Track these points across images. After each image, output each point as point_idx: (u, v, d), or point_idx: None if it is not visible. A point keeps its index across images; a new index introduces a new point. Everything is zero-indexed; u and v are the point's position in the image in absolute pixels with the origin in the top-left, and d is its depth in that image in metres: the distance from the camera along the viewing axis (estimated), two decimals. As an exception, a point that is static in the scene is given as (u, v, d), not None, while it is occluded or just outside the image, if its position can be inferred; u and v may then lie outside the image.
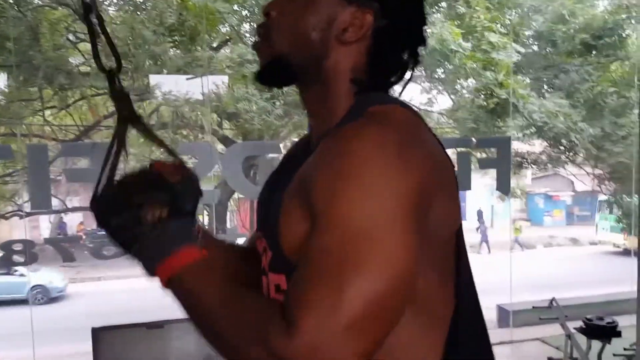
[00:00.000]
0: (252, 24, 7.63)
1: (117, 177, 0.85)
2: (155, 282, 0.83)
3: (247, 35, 7.64)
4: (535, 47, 9.25)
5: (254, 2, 7.00)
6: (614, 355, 3.97)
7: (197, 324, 0.82)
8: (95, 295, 10.17)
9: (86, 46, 7.57)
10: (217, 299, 0.79)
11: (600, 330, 4.04)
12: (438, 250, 0.83)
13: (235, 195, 8.12)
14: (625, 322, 4.46)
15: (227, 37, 7.19)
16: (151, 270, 0.83)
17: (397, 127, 0.80)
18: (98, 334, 2.33)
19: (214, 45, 7.03)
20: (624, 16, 8.50)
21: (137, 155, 8.40)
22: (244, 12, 7.54)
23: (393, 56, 0.90)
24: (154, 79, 7.16)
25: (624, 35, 8.47)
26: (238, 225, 9.63)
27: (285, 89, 6.76)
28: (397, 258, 0.73)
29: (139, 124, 0.91)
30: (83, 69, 7.24)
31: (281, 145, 5.11)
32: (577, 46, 8.53)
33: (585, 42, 8.47)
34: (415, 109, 0.92)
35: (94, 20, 0.94)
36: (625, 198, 9.09)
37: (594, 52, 8.66)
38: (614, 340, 4.02)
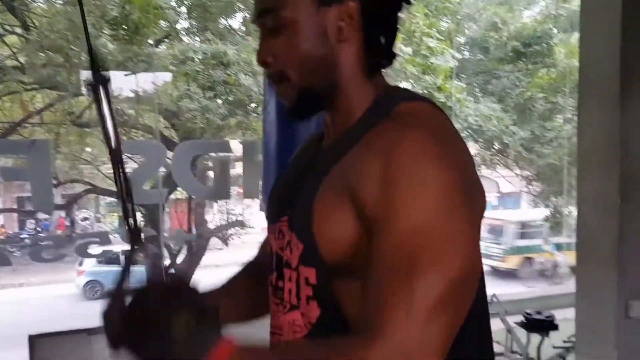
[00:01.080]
0: (190, 21, 7.49)
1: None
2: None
3: (184, 33, 7.52)
4: (469, 54, 9.61)
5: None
6: (554, 347, 4.14)
7: None
8: (21, 302, 9.71)
9: (12, 39, 7.20)
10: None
11: (539, 324, 4.20)
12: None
13: (173, 196, 7.93)
14: (559, 315, 4.69)
15: (167, 33, 7.00)
16: None
17: (434, 125, 0.84)
18: (35, 341, 2.20)
19: (151, 42, 6.83)
20: (551, 25, 8.97)
21: (67, 154, 8.11)
22: (182, 9, 7.40)
23: (386, 32, 0.93)
24: (85, 74, 6.88)
25: (551, 43, 8.93)
26: (174, 226, 9.40)
27: (228, 87, 6.83)
28: (463, 249, 0.77)
29: (144, 247, 0.90)
30: (10, 62, 6.85)
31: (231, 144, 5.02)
32: (508, 53, 8.93)
33: (515, 49, 8.89)
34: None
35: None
36: (552, 198, 9.56)
37: (523, 59, 9.08)
38: (552, 334, 4.19)
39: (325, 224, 0.83)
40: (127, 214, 0.88)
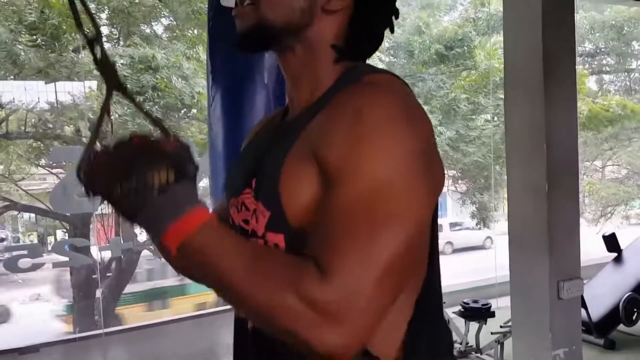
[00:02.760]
0: (111, 28, 7.26)
1: (101, 145, 0.81)
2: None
3: (105, 39, 7.26)
4: (395, 58, 9.84)
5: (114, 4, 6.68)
6: (492, 333, 4.28)
7: (219, 285, 0.79)
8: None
9: None
10: (240, 255, 0.77)
11: (477, 312, 4.35)
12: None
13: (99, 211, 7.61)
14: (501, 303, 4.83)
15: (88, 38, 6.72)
16: (160, 235, 0.77)
17: (401, 94, 0.85)
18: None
19: (71, 48, 6.56)
20: (471, 29, 9.34)
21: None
22: (103, 15, 7.17)
23: (373, 25, 0.95)
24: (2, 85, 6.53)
25: (471, 46, 9.29)
26: (101, 239, 9.02)
27: (156, 92, 6.65)
28: (418, 207, 0.78)
29: (125, 92, 0.90)
30: None
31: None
32: (432, 56, 9.21)
33: (439, 52, 9.17)
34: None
35: None
36: (478, 195, 9.93)
37: (446, 62, 9.39)
38: (490, 321, 4.35)
39: (292, 189, 0.82)
40: (92, 46, 0.87)
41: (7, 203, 8.08)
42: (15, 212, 9.69)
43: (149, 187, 0.76)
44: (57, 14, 5.50)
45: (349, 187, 0.76)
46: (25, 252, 4.10)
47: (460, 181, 10.78)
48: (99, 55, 0.87)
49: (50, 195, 3.97)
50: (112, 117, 0.89)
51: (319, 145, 0.81)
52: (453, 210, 14.28)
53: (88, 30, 0.88)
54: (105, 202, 0.80)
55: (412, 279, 0.86)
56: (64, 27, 5.51)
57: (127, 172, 0.76)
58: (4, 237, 14.21)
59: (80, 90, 6.33)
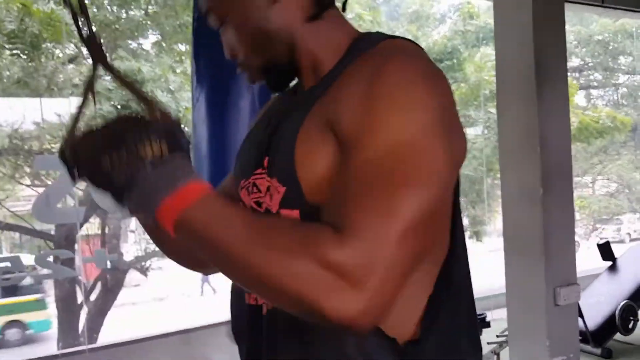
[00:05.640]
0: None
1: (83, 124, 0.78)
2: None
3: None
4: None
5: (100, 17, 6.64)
6: (488, 343, 4.20)
7: (225, 261, 0.73)
8: None
9: None
10: (246, 226, 0.71)
11: (471, 322, 4.26)
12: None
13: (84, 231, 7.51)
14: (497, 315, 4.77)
15: (75, 55, 6.69)
16: (154, 212, 0.72)
17: (420, 56, 0.81)
18: None
19: (57, 58, 6.49)
20: (460, 42, 9.37)
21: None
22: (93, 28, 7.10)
23: None
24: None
25: (461, 59, 9.32)
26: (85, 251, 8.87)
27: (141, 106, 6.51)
28: (439, 168, 0.74)
29: (110, 67, 0.86)
30: None
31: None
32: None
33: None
34: None
35: None
36: (470, 208, 9.88)
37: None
38: (485, 331, 4.27)
39: (307, 162, 0.79)
40: (78, 23, 0.84)
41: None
42: (-1, 231, 9.52)
43: (140, 158, 0.70)
44: (38, 22, 5.40)
45: (366, 149, 0.73)
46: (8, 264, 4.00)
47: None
48: (85, 30, 0.84)
49: (33, 206, 3.88)
50: (95, 95, 0.85)
51: (334, 113, 0.78)
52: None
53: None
54: (92, 183, 0.74)
55: (434, 249, 0.82)
56: (44, 36, 5.42)
57: (117, 144, 0.71)
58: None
59: (65, 107, 6.25)
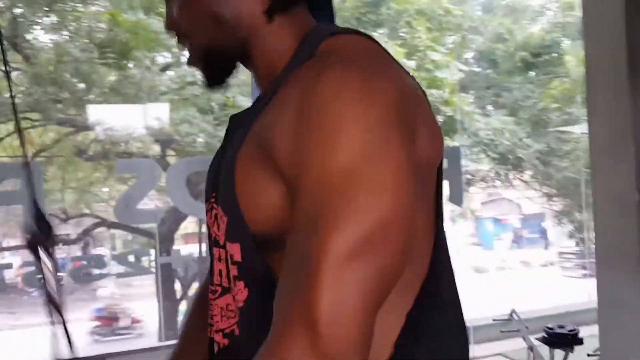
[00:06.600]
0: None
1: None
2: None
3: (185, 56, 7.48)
4: (476, 67, 9.48)
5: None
6: (580, 363, 3.88)
7: None
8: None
9: (17, 77, 7.26)
10: None
11: (563, 338, 3.98)
12: (424, 186, 0.74)
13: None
14: (584, 332, 4.41)
15: (170, 63, 7.00)
16: None
17: (357, 59, 0.71)
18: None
19: (150, 66, 6.81)
20: (560, 34, 8.80)
21: (76, 188, 8.07)
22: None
23: None
24: (91, 108, 6.90)
25: (561, 52, 8.75)
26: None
27: (223, 111, 6.77)
28: (392, 182, 0.64)
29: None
30: (17, 100, 6.92)
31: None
32: (517, 64, 8.76)
33: (524, 60, 8.72)
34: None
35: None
36: (576, 213, 9.26)
37: (534, 70, 8.90)
38: (577, 348, 3.95)
39: (247, 190, 0.72)
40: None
41: (98, 220, 8.47)
42: (106, 229, 10.16)
43: None
44: (124, 31, 5.68)
45: (303, 192, 0.65)
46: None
47: (554, 198, 10.13)
48: None
49: (115, 207, 4.08)
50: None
51: (270, 143, 0.70)
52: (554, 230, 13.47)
53: None
54: None
55: (411, 266, 0.71)
56: (131, 45, 5.70)
57: None
58: (104, 254, 15.04)
59: (153, 112, 6.56)
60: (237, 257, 0.75)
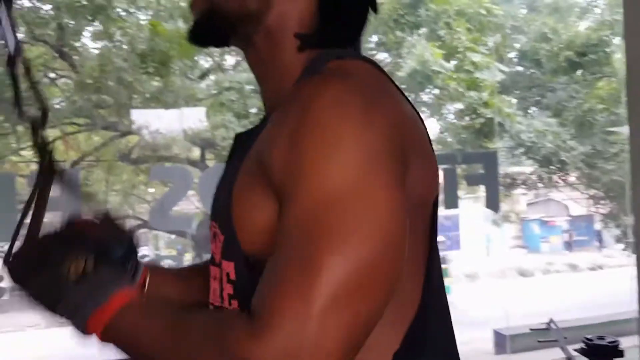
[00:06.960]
0: (226, 57, 7.57)
1: (39, 233, 0.82)
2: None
3: (225, 64, 7.59)
4: (519, 68, 9.26)
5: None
6: (619, 377, 3.71)
7: None
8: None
9: (64, 83, 7.52)
10: (161, 329, 0.71)
11: (602, 350, 3.81)
12: (414, 221, 0.71)
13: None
14: (627, 342, 4.23)
15: (208, 69, 7.13)
16: (83, 328, 0.75)
17: (360, 81, 0.71)
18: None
19: (190, 75, 6.93)
20: (607, 32, 8.51)
21: (120, 191, 8.30)
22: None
23: (348, 4, 0.80)
24: (134, 113, 7.08)
25: (608, 51, 8.46)
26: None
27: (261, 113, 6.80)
28: (382, 218, 0.64)
29: (61, 177, 0.87)
30: (63, 105, 7.15)
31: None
32: (561, 64, 8.52)
33: (570, 59, 8.46)
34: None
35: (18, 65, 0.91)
36: (623, 217, 8.95)
37: (579, 70, 8.64)
38: (617, 362, 3.79)
39: (243, 209, 0.72)
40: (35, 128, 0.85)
41: (140, 222, 8.68)
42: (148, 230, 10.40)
43: (63, 278, 0.75)
44: (164, 40, 5.82)
45: (291, 210, 0.65)
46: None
47: (601, 202, 9.80)
48: (40, 137, 0.86)
49: (149, 212, 4.19)
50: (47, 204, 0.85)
51: (266, 161, 0.70)
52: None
53: None
54: (29, 299, 0.79)
55: (393, 308, 0.69)
56: (171, 54, 5.83)
57: (42, 265, 0.76)
58: (147, 254, 15.41)
59: (190, 116, 6.67)
60: (232, 275, 0.75)
